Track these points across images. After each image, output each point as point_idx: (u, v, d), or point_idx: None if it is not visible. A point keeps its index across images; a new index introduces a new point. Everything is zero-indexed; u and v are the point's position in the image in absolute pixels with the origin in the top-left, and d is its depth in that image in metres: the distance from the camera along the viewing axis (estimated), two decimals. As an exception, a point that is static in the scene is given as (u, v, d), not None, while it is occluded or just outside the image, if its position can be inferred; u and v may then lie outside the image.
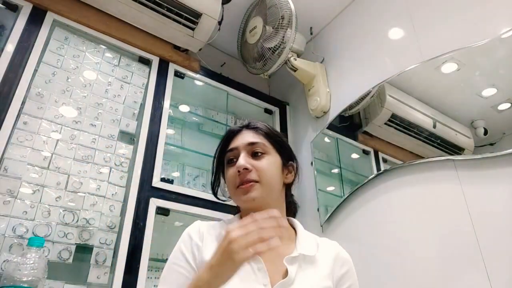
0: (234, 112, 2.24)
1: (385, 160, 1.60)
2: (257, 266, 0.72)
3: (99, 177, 1.39)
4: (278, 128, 2.15)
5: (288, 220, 0.87)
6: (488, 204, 1.15)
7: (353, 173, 1.78)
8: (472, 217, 1.17)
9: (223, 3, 1.88)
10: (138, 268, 1.32)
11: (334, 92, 1.92)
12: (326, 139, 1.92)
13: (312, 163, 1.90)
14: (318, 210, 1.77)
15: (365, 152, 1.71)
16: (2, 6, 1.43)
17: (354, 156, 1.79)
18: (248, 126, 0.86)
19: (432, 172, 1.34)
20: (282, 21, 1.81)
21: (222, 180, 0.90)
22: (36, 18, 1.46)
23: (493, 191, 1.15)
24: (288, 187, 0.88)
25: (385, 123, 1.60)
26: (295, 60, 1.91)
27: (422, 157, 1.40)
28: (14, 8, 1.45)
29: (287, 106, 2.27)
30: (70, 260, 1.22)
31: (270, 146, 0.84)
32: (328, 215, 1.71)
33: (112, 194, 1.40)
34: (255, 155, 0.81)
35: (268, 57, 1.88)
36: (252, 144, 0.81)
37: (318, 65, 2.00)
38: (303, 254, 0.76)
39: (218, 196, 0.89)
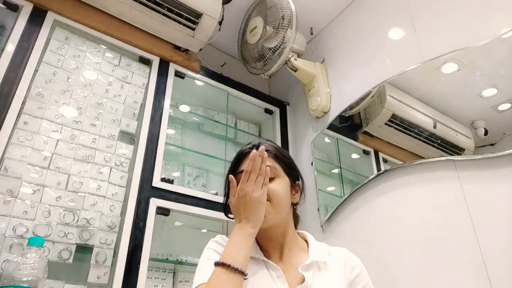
0: (234, 112, 2.24)
1: (385, 160, 1.60)
2: (275, 274, 0.78)
3: (100, 177, 1.39)
4: (278, 129, 2.15)
5: (299, 233, 0.92)
6: (489, 204, 1.15)
7: (353, 173, 1.78)
8: (472, 217, 1.17)
9: (223, 3, 1.88)
10: (138, 268, 1.32)
11: (335, 92, 1.92)
12: (327, 139, 1.92)
13: (312, 163, 1.90)
14: (318, 210, 1.77)
15: (366, 152, 1.71)
16: (3, 6, 1.43)
17: (354, 156, 1.79)
18: (258, 148, 0.87)
19: (432, 172, 1.34)
20: (283, 21, 1.81)
21: None
22: (37, 18, 1.46)
23: (493, 191, 1.15)
24: (294, 205, 0.92)
25: (386, 123, 1.60)
26: (296, 60, 1.91)
27: (423, 158, 1.40)
28: (15, 8, 1.45)
29: (288, 106, 2.27)
30: (70, 260, 1.22)
31: (279, 168, 0.87)
32: (328, 215, 1.71)
33: (112, 194, 1.40)
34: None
35: (268, 57, 1.88)
36: None
37: (318, 65, 2.00)
38: (316, 260, 0.81)
39: (229, 215, 0.91)
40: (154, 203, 1.47)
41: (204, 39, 1.86)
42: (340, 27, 2.05)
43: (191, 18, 1.77)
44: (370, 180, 1.56)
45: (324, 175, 1.89)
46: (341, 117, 1.83)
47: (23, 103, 1.31)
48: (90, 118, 1.47)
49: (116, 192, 1.41)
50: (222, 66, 2.28)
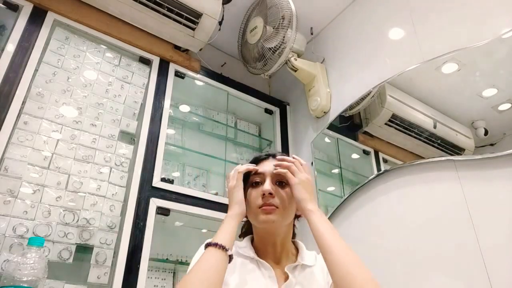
0: (235, 112, 2.24)
1: (385, 161, 1.60)
2: (268, 273, 0.82)
3: (100, 177, 1.39)
4: (278, 129, 2.15)
5: (293, 242, 0.96)
6: (489, 204, 1.15)
7: (353, 173, 1.78)
8: (472, 217, 1.17)
9: (223, 3, 1.88)
10: (138, 268, 1.32)
11: (335, 92, 1.92)
12: (327, 139, 1.92)
13: (312, 163, 1.90)
14: (318, 210, 1.77)
15: (366, 152, 1.71)
16: (3, 6, 1.43)
17: (355, 156, 1.79)
18: (275, 156, 0.93)
19: (432, 172, 1.34)
20: (283, 21, 1.81)
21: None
22: (37, 18, 1.46)
23: (493, 191, 1.15)
24: (296, 218, 0.95)
25: (386, 123, 1.60)
26: (296, 60, 1.91)
27: (423, 158, 1.40)
28: (15, 8, 1.45)
29: (288, 106, 2.27)
30: (70, 260, 1.22)
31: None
32: (329, 215, 1.71)
33: (113, 194, 1.40)
34: (279, 183, 0.88)
35: (268, 57, 1.88)
36: (279, 174, 0.89)
37: (318, 65, 2.00)
38: (303, 263, 0.86)
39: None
40: (154, 203, 1.47)
41: (204, 39, 1.86)
42: (340, 27, 2.05)
43: (191, 18, 1.77)
44: (370, 180, 1.56)
45: (324, 175, 1.89)
46: (341, 117, 1.83)
47: (23, 103, 1.31)
48: (90, 118, 1.47)
49: (116, 192, 1.41)
50: (222, 66, 2.28)
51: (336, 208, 1.69)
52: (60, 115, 1.39)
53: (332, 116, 1.88)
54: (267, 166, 0.91)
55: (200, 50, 1.94)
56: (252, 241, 0.92)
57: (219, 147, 2.01)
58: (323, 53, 2.08)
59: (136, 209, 1.41)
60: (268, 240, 0.89)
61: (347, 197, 1.65)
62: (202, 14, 1.77)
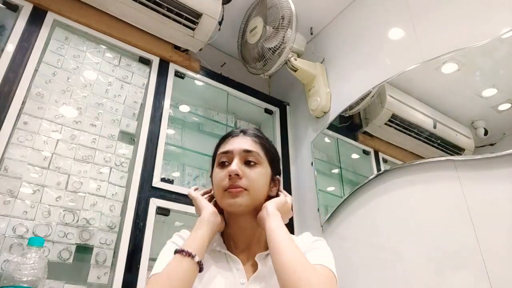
0: (234, 112, 2.24)
1: (385, 161, 1.60)
2: (235, 266, 0.78)
3: (99, 177, 1.39)
4: (278, 129, 2.15)
5: None
6: (489, 204, 1.15)
7: (353, 173, 1.78)
8: (472, 218, 1.17)
9: (223, 3, 1.88)
10: (138, 268, 1.32)
11: (335, 92, 1.92)
12: (326, 139, 1.92)
13: (312, 163, 1.90)
14: (318, 210, 1.77)
15: (365, 152, 1.71)
16: (3, 6, 1.43)
17: (354, 156, 1.79)
18: (246, 132, 0.87)
19: (432, 172, 1.34)
20: (283, 21, 1.81)
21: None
22: (37, 18, 1.46)
23: (493, 191, 1.15)
24: (269, 199, 0.88)
25: (385, 123, 1.60)
26: (295, 60, 1.91)
27: (422, 158, 1.40)
28: (15, 8, 1.45)
29: (287, 106, 2.27)
30: (70, 260, 1.22)
31: (264, 157, 0.85)
32: (328, 215, 1.71)
33: (112, 194, 1.40)
34: (248, 163, 0.82)
35: (268, 57, 1.88)
36: (247, 151, 0.83)
37: (318, 65, 2.00)
38: None
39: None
40: (154, 203, 1.47)
41: (204, 39, 1.86)
42: (340, 27, 2.05)
43: (191, 18, 1.77)
44: (370, 180, 1.56)
45: (324, 175, 1.89)
46: (341, 117, 1.83)
47: (23, 103, 1.31)
48: (90, 118, 1.47)
49: (116, 192, 1.41)
50: (222, 66, 2.28)
51: (336, 208, 1.69)
52: (60, 115, 1.39)
53: (332, 116, 1.88)
54: (236, 144, 0.84)
55: (200, 50, 1.94)
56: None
57: (219, 147, 2.01)
58: (323, 53, 2.08)
59: (136, 209, 1.41)
60: (239, 226, 0.84)
61: (347, 197, 1.65)
62: (202, 14, 1.77)
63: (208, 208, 0.81)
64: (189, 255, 0.70)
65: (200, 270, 0.71)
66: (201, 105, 2.11)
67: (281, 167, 0.93)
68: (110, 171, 1.43)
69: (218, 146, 0.89)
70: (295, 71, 1.94)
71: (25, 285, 0.95)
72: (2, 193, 1.18)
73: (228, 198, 0.79)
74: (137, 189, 1.45)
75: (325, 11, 2.07)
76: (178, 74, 1.85)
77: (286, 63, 1.90)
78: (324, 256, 0.76)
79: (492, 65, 1.29)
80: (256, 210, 0.82)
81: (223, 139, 0.89)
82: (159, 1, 1.67)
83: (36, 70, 1.39)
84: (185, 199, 1.58)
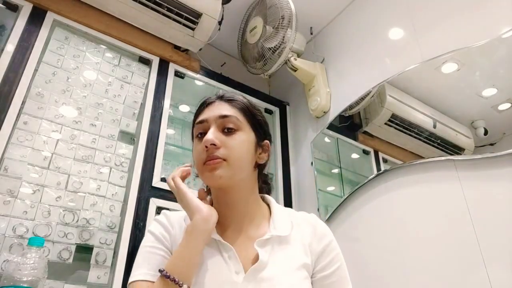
0: (234, 112, 2.23)
1: (385, 160, 1.60)
2: (227, 255, 0.69)
3: (99, 177, 1.39)
4: (278, 128, 2.15)
5: (262, 198, 0.82)
6: (488, 204, 1.15)
7: (353, 173, 1.78)
8: (472, 217, 1.17)
9: (223, 3, 1.88)
10: (138, 268, 1.32)
11: (334, 92, 1.92)
12: (326, 139, 1.92)
13: (312, 163, 1.90)
14: (318, 210, 1.77)
15: (365, 152, 1.71)
16: (2, 6, 1.43)
17: (354, 156, 1.79)
18: (223, 97, 0.78)
19: (432, 172, 1.34)
20: (282, 21, 1.81)
21: None
22: (36, 18, 1.46)
23: (493, 191, 1.15)
24: (261, 167, 0.81)
25: (385, 123, 1.60)
26: (295, 60, 1.91)
27: (422, 157, 1.40)
28: (14, 8, 1.44)
29: (287, 106, 2.27)
30: (70, 260, 1.22)
31: (244, 121, 0.76)
32: (328, 215, 1.71)
33: (112, 194, 1.40)
34: (226, 130, 0.73)
35: (268, 57, 1.88)
36: (224, 117, 0.74)
37: (318, 65, 2.00)
38: (277, 235, 0.72)
39: None
40: (154, 203, 1.47)
41: (204, 39, 1.86)
42: (340, 27, 2.05)
43: (191, 18, 1.77)
44: (370, 180, 1.56)
45: (324, 175, 1.89)
46: (341, 117, 1.83)
47: (23, 103, 1.31)
48: (90, 118, 1.47)
49: (116, 192, 1.41)
50: (222, 66, 2.28)
51: (336, 208, 1.69)
52: (59, 115, 1.39)
53: (332, 116, 1.88)
54: (211, 111, 0.75)
55: (200, 50, 1.94)
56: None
57: (218, 147, 2.00)
58: (322, 53, 2.08)
59: (136, 209, 1.41)
60: (226, 202, 0.75)
61: (347, 197, 1.65)
62: (201, 14, 1.77)
63: (203, 211, 0.68)
64: (176, 283, 0.61)
65: None
66: (201, 105, 2.11)
67: (270, 131, 0.83)
68: (110, 171, 1.42)
69: (195, 116, 0.81)
70: (295, 71, 1.94)
71: (25, 285, 0.95)
72: (2, 193, 1.17)
73: (206, 172, 0.71)
74: (137, 189, 1.45)
75: (325, 11, 2.07)
76: (178, 74, 1.85)
77: (286, 63, 1.90)
78: (347, 278, 0.75)
79: (492, 64, 1.29)
80: (244, 182, 0.75)
81: (199, 108, 0.80)
82: (159, 1, 1.67)
83: (36, 70, 1.39)
84: (185, 199, 1.57)
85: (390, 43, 1.67)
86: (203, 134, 0.74)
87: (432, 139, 1.43)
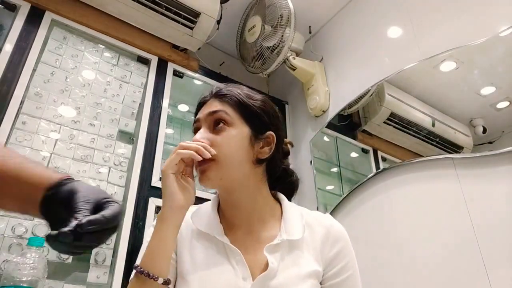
0: (233, 111, 2.23)
1: (384, 159, 1.60)
2: (235, 259, 0.66)
3: (98, 176, 1.39)
4: (277, 127, 2.14)
5: (274, 195, 0.78)
6: (487, 202, 1.15)
7: (352, 172, 1.78)
8: (471, 215, 1.17)
9: (221, 2, 1.88)
10: (138, 267, 1.32)
11: (333, 91, 1.92)
12: (325, 138, 1.92)
13: (311, 162, 1.90)
14: (317, 209, 1.77)
15: (364, 151, 1.71)
16: (0, 6, 1.43)
17: (353, 154, 1.80)
18: (216, 94, 0.74)
19: (431, 170, 1.35)
20: (281, 20, 1.81)
21: None
22: (34, 17, 1.45)
23: (492, 189, 1.15)
24: (267, 162, 0.74)
25: (384, 122, 1.61)
26: (294, 59, 1.91)
27: (421, 156, 1.40)
28: (12, 8, 1.44)
29: (286, 105, 2.27)
30: (70, 260, 1.22)
31: (235, 115, 0.71)
32: (328, 213, 1.71)
33: (112, 194, 1.39)
34: (216, 127, 0.69)
35: (267, 56, 1.88)
36: (212, 113, 0.70)
37: (317, 64, 2.00)
38: (288, 239, 0.68)
39: None
40: (153, 202, 1.47)
41: (202, 38, 1.86)
42: (339, 25, 2.05)
43: (190, 17, 1.77)
44: (369, 179, 1.57)
45: (323, 174, 1.89)
46: (340, 116, 1.83)
47: (21, 103, 1.31)
48: (88, 117, 1.46)
49: (115, 192, 1.41)
50: (220, 65, 2.28)
51: (335, 207, 1.69)
52: (58, 115, 1.39)
53: (331, 114, 1.88)
54: (204, 110, 0.72)
55: (199, 49, 1.93)
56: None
57: (218, 146, 2.00)
58: (321, 51, 2.08)
59: (135, 209, 1.41)
60: (232, 202, 0.72)
61: (346, 196, 1.66)
62: (200, 13, 1.77)
63: (173, 200, 0.63)
64: (151, 277, 0.59)
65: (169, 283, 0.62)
66: (200, 104, 2.11)
67: (274, 120, 0.76)
68: (109, 170, 1.42)
69: (194, 116, 0.78)
70: (294, 70, 1.94)
71: (25, 285, 0.95)
72: (1, 193, 1.17)
73: (199, 174, 0.68)
74: (136, 189, 1.44)
75: (323, 9, 2.07)
76: (176, 73, 1.85)
77: (284, 62, 1.90)
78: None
79: (490, 63, 1.29)
80: (245, 180, 0.70)
81: (197, 107, 0.77)
82: (157, 0, 1.67)
83: (34, 70, 1.39)
84: (184, 198, 1.57)
85: (389, 42, 1.67)
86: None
87: (431, 137, 1.44)
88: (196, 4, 1.74)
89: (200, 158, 0.65)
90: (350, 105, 1.76)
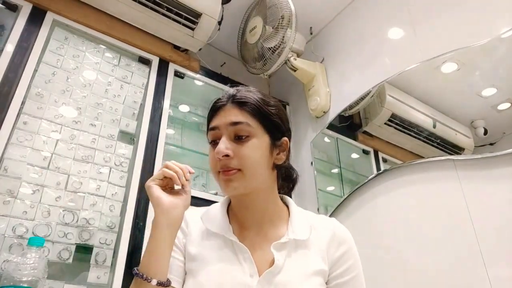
0: (234, 112, 2.23)
1: (385, 160, 1.60)
2: (242, 256, 0.68)
3: (99, 177, 1.39)
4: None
5: (281, 198, 0.81)
6: (488, 203, 1.15)
7: (353, 173, 1.78)
8: (472, 217, 1.17)
9: (223, 3, 1.88)
10: (138, 268, 1.32)
11: (334, 92, 1.92)
12: (326, 139, 1.92)
13: (312, 163, 1.90)
14: (318, 210, 1.77)
15: (365, 152, 1.71)
16: (2, 6, 1.43)
17: (354, 156, 1.80)
18: (234, 99, 0.74)
19: (432, 172, 1.34)
20: (282, 21, 1.81)
21: None
22: (36, 18, 1.46)
23: (493, 190, 1.15)
24: (280, 166, 0.78)
25: (385, 123, 1.60)
26: (295, 60, 1.91)
27: (422, 157, 1.40)
28: (14, 8, 1.44)
29: (287, 106, 2.27)
30: (70, 260, 1.22)
31: (257, 125, 0.72)
32: (328, 215, 1.71)
33: (112, 194, 1.40)
34: (238, 138, 0.71)
35: (268, 57, 1.88)
36: (235, 124, 0.71)
37: (318, 65, 2.00)
38: (294, 239, 0.71)
39: None
40: (154, 203, 1.47)
41: (203, 39, 1.86)
42: (340, 27, 2.05)
43: (191, 18, 1.77)
44: (370, 180, 1.56)
45: (324, 175, 1.89)
46: (340, 117, 1.83)
47: (23, 103, 1.31)
48: (89, 118, 1.47)
49: (116, 192, 1.41)
50: (221, 66, 2.28)
51: (336, 208, 1.69)
52: (59, 115, 1.39)
53: (332, 115, 1.88)
54: (223, 117, 0.73)
55: (200, 50, 1.94)
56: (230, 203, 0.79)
57: (218, 147, 2.00)
58: (322, 52, 2.08)
59: (136, 209, 1.41)
60: (245, 205, 0.75)
61: (347, 197, 1.65)
62: (201, 14, 1.77)
63: (162, 204, 0.67)
64: (144, 279, 0.62)
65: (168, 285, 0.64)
66: (201, 105, 2.11)
67: (287, 125, 0.79)
68: (110, 171, 1.42)
69: (208, 119, 0.79)
70: (295, 70, 1.94)
71: (25, 285, 0.95)
72: (2, 193, 1.17)
73: (222, 182, 0.71)
74: (136, 189, 1.45)
75: (324, 10, 2.07)
76: (177, 74, 1.85)
77: (285, 62, 1.90)
78: None
79: (491, 64, 1.29)
80: (262, 184, 0.73)
81: (211, 110, 0.78)
82: (158, 1, 1.67)
83: (35, 70, 1.39)
84: (185, 199, 1.57)
85: (390, 43, 1.67)
86: (216, 141, 0.73)
87: (432, 138, 1.44)
88: (197, 5, 1.74)
89: (179, 184, 0.70)
90: (351, 106, 1.76)
